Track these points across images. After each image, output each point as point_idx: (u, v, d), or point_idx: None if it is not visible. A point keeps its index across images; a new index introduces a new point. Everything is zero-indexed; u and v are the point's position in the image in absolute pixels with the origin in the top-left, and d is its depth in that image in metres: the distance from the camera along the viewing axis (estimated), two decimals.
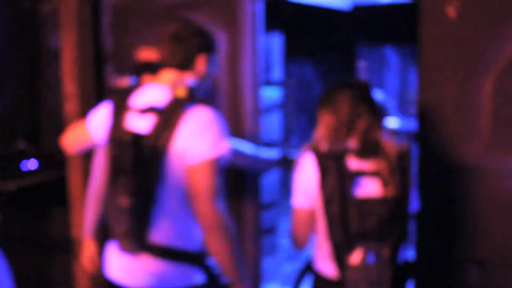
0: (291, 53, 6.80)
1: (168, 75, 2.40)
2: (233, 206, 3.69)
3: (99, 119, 2.54)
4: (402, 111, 6.49)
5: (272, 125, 5.13)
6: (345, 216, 2.23)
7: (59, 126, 4.41)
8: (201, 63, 2.42)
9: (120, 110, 2.37)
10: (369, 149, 2.31)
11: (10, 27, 4.36)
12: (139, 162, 2.19)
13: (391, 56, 6.67)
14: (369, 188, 2.30)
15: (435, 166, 2.93)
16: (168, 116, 2.21)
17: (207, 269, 2.34)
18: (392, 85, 6.63)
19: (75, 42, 4.03)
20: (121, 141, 2.23)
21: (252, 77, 3.50)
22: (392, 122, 2.73)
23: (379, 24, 6.89)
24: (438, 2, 2.82)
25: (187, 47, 2.38)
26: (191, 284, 2.32)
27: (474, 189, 2.85)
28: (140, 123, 2.30)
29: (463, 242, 2.91)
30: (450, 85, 2.85)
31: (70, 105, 4.11)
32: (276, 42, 5.27)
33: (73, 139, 2.73)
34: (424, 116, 2.95)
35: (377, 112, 2.38)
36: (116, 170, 2.27)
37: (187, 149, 2.19)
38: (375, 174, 2.29)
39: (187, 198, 2.25)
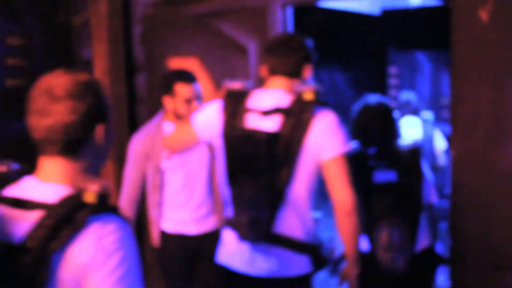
0: (321, 60, 6.78)
1: (279, 81, 2.53)
2: None
3: (209, 120, 2.58)
4: (434, 116, 6.40)
5: None
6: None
7: None
8: (307, 71, 2.59)
9: (237, 110, 2.48)
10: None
11: (44, 39, 4.43)
12: (273, 158, 2.34)
13: (423, 60, 6.60)
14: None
15: (469, 170, 2.88)
16: (298, 117, 2.36)
17: (320, 259, 2.52)
18: (424, 90, 6.56)
19: (107, 53, 4.07)
20: (252, 139, 2.35)
21: None
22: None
23: (410, 28, 6.83)
24: (470, 5, 2.77)
25: (298, 57, 2.56)
26: (305, 273, 2.48)
27: (510, 193, 2.79)
28: (264, 123, 2.41)
29: (497, 247, 2.85)
30: (483, 89, 2.79)
31: None
32: None
33: (177, 139, 2.76)
34: (457, 120, 2.90)
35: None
36: (242, 166, 2.40)
37: (321, 146, 2.39)
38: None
39: (310, 192, 2.47)
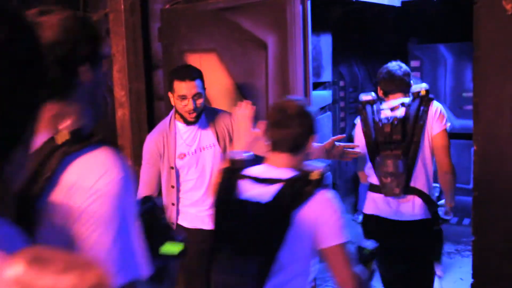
0: (341, 54, 6.71)
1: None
2: None
3: None
4: (457, 110, 6.32)
5: (323, 127, 5.06)
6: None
7: (111, 132, 4.47)
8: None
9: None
10: None
11: None
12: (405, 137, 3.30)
13: (445, 54, 6.50)
14: None
15: (492, 165, 2.82)
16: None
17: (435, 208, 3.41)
18: (446, 84, 6.47)
19: (125, 49, 4.07)
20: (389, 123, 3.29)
21: (302, 79, 3.46)
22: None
23: (431, 20, 6.74)
24: None
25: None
26: (429, 217, 3.37)
27: None
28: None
29: None
30: (507, 82, 2.73)
31: (121, 112, 4.15)
32: (325, 43, 5.21)
33: None
34: (480, 114, 2.84)
35: None
36: (385, 144, 3.35)
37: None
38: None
39: (432, 157, 3.37)
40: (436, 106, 3.36)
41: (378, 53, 6.97)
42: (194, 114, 3.09)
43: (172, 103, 3.14)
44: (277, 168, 2.22)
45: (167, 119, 3.24)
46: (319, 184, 2.11)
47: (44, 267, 0.59)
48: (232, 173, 2.30)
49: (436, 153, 3.37)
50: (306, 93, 3.49)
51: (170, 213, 3.23)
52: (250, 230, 2.17)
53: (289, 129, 2.19)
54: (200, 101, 3.08)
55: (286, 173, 2.15)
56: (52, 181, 1.24)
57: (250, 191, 2.21)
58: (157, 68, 4.27)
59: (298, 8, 3.41)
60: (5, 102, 0.77)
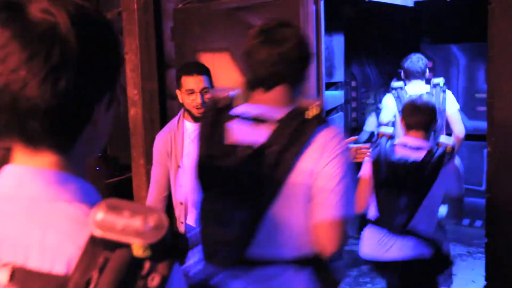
0: (353, 54, 6.70)
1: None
2: None
3: None
4: (469, 111, 6.27)
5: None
6: None
7: (123, 131, 4.49)
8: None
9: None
10: None
11: None
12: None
13: (457, 54, 6.47)
14: None
15: (506, 166, 2.81)
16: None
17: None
18: (459, 84, 6.43)
19: (138, 48, 4.08)
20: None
21: (315, 79, 3.46)
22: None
23: (444, 20, 6.69)
24: None
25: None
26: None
27: None
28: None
29: None
30: None
31: (134, 111, 4.17)
32: (338, 43, 5.20)
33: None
34: (493, 115, 2.83)
35: None
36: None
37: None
38: None
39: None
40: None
41: (390, 53, 6.94)
42: (202, 109, 3.08)
43: (180, 100, 3.14)
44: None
45: (176, 118, 3.24)
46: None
47: (118, 213, 0.79)
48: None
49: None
50: (319, 93, 3.48)
51: (179, 212, 3.24)
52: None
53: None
54: (207, 96, 3.08)
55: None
56: (304, 148, 1.75)
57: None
58: (170, 67, 4.28)
59: (312, 8, 3.41)
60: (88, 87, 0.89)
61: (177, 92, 3.14)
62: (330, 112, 4.92)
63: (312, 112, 1.81)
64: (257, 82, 1.93)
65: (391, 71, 7.00)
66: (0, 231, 0.89)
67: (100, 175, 4.24)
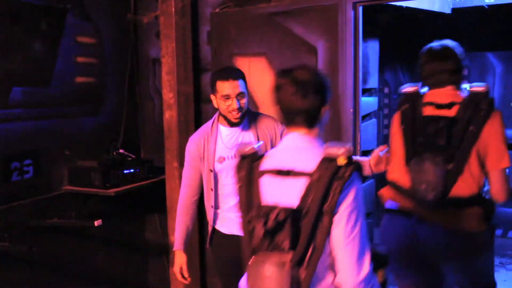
0: (386, 60, 6.64)
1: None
2: None
3: None
4: (505, 119, 6.17)
5: (368, 134, 5.02)
6: None
7: (158, 133, 4.53)
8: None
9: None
10: None
11: (113, 37, 4.52)
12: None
13: (494, 62, 6.38)
14: None
15: None
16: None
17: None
18: (494, 92, 6.35)
19: (175, 51, 4.11)
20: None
21: (352, 85, 3.44)
22: None
23: (481, 28, 6.61)
24: None
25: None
26: None
27: None
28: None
29: None
30: None
31: (169, 114, 4.19)
32: (372, 49, 5.17)
33: None
34: None
35: None
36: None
37: None
38: None
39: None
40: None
41: None
42: (239, 114, 3.06)
43: (215, 105, 3.12)
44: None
45: (210, 121, 3.23)
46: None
47: (333, 146, 1.87)
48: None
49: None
50: (356, 99, 3.47)
51: (210, 216, 3.24)
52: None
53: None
54: (243, 101, 3.05)
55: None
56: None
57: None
58: (205, 71, 4.30)
59: (350, 13, 3.40)
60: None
61: (212, 97, 3.13)
62: (363, 118, 4.89)
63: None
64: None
65: None
66: (292, 159, 1.96)
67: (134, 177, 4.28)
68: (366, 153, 4.88)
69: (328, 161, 1.85)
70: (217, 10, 4.13)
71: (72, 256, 4.20)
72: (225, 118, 3.11)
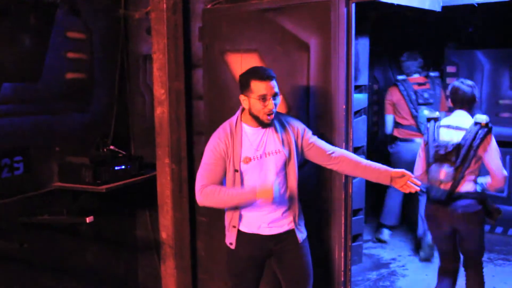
0: (376, 57, 6.67)
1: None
2: (323, 210, 3.66)
3: None
4: (493, 117, 6.22)
5: (359, 130, 5.04)
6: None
7: (149, 130, 4.51)
8: None
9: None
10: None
11: (103, 33, 4.49)
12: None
13: (482, 60, 6.42)
14: None
15: None
16: None
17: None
18: (482, 90, 6.38)
19: (166, 47, 4.09)
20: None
21: (344, 81, 3.44)
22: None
23: (470, 26, 6.66)
24: None
25: None
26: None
27: None
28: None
29: None
30: None
31: (160, 110, 4.18)
32: (363, 46, 5.18)
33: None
34: None
35: None
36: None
37: None
38: None
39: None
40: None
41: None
42: (272, 116, 3.05)
43: (245, 106, 3.08)
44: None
45: (233, 120, 3.18)
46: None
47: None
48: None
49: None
50: (348, 96, 3.47)
51: (232, 216, 3.21)
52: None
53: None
54: (277, 102, 3.06)
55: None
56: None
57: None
58: (196, 67, 4.28)
59: (343, 10, 3.40)
60: None
61: (242, 97, 3.09)
62: (354, 114, 4.90)
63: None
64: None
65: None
66: (458, 121, 3.71)
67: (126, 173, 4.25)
68: (356, 149, 4.91)
69: (476, 123, 3.70)
70: (209, 6, 4.11)
71: (63, 253, 4.17)
72: (256, 118, 3.09)
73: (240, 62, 3.85)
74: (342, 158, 3.23)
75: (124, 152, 4.43)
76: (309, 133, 3.26)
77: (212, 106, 4.13)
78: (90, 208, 4.23)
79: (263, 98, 3.00)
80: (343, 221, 3.58)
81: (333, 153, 3.24)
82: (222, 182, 3.16)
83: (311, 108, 3.58)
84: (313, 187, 3.67)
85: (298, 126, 3.24)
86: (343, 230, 3.59)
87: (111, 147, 4.43)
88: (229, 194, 3.05)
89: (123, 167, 4.23)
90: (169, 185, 4.22)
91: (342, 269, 3.62)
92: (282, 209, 3.20)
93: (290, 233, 3.22)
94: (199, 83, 4.29)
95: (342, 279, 3.63)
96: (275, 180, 3.08)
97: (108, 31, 4.55)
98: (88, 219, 3.80)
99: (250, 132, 3.14)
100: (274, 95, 3.02)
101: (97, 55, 4.43)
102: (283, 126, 3.19)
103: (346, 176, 3.55)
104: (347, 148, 3.50)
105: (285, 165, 3.17)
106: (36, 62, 3.92)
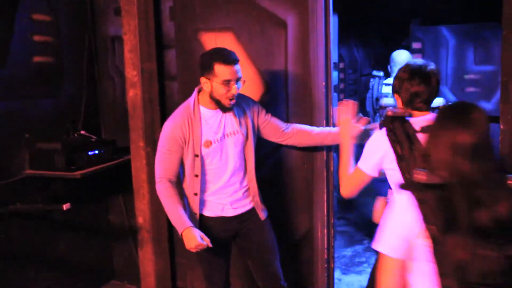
0: (341, 35, 6.67)
1: None
2: (305, 189, 3.65)
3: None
4: (458, 92, 6.34)
5: None
6: None
7: (120, 113, 4.41)
8: None
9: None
10: None
11: (70, 15, 4.35)
12: None
13: (447, 35, 6.50)
14: None
15: None
16: None
17: None
18: (448, 66, 6.47)
19: (137, 28, 3.99)
20: None
21: (323, 58, 3.42)
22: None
23: (434, 2, 6.72)
24: None
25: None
26: None
27: None
28: None
29: None
30: None
31: (133, 92, 4.08)
32: (332, 24, 5.15)
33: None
34: (508, 95, 2.84)
35: None
36: None
37: None
38: None
39: None
40: None
41: (379, 35, 6.94)
42: (234, 100, 3.00)
43: (206, 89, 3.00)
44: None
45: (190, 103, 3.08)
46: None
47: None
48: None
49: None
50: (327, 73, 3.45)
51: (193, 203, 3.15)
52: None
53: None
54: (240, 86, 2.99)
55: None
56: None
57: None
58: (168, 48, 4.19)
59: None
60: None
61: (203, 79, 3.00)
62: None
63: None
64: None
65: (378, 53, 7.01)
66: None
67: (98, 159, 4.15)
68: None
69: None
70: None
71: (36, 242, 4.07)
72: (217, 102, 3.02)
73: (214, 42, 3.77)
74: (295, 131, 3.30)
75: (95, 137, 4.33)
76: (263, 110, 3.26)
77: (186, 87, 4.04)
78: (65, 195, 4.13)
79: (227, 83, 2.93)
80: (325, 199, 3.58)
81: (287, 128, 3.29)
82: (179, 169, 3.11)
83: (290, 86, 3.55)
84: (293, 167, 3.65)
85: (253, 105, 3.23)
86: (325, 208, 3.59)
87: (82, 132, 4.32)
88: (169, 210, 3.05)
89: (96, 152, 4.13)
90: (144, 169, 4.14)
91: (326, 246, 3.63)
92: (243, 189, 3.21)
93: (252, 212, 3.26)
94: (171, 63, 4.20)
95: (326, 256, 3.64)
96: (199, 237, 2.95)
97: (74, 13, 4.41)
98: (65, 206, 3.71)
99: (208, 115, 3.07)
100: (237, 80, 2.96)
101: (64, 38, 4.29)
102: (240, 107, 3.14)
103: (328, 154, 3.55)
104: (327, 125, 3.49)
105: (244, 145, 3.16)
106: (1, 46, 3.78)
